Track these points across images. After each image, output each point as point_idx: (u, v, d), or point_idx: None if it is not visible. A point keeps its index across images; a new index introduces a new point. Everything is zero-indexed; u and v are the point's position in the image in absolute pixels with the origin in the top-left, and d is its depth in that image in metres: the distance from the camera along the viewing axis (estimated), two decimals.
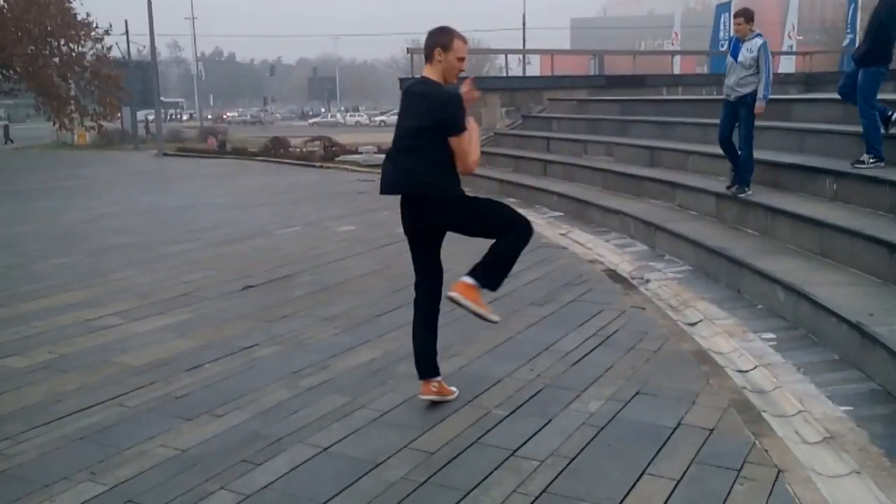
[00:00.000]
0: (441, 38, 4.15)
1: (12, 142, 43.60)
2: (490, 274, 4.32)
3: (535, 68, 45.77)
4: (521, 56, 30.30)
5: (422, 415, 4.29)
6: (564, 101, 16.79)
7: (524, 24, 52.99)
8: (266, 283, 7.37)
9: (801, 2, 37.03)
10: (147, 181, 18.43)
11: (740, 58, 7.82)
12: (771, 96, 7.88)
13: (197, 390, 4.70)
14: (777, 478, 3.54)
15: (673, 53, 27.31)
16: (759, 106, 7.79)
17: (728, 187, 8.23)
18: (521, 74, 30.43)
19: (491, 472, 3.61)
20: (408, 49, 19.54)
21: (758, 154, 8.74)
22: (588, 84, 18.75)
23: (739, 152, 8.02)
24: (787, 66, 28.39)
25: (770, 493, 3.40)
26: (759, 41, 7.76)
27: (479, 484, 3.50)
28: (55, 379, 4.92)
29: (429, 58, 4.17)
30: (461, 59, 4.19)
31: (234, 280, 7.49)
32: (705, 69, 31.42)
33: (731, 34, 8.10)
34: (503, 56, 24.07)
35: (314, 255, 8.62)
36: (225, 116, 79.34)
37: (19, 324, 6.15)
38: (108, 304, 6.70)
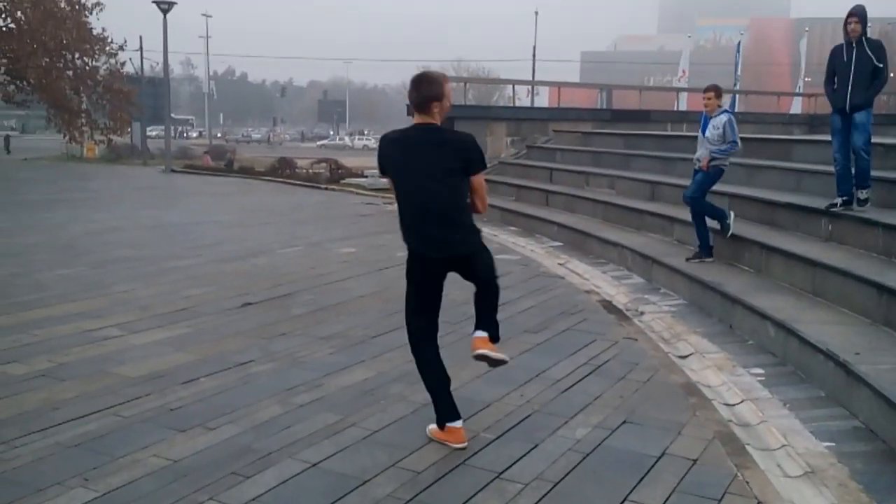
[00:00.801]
0: (435, 90, 4.07)
1: (9, 153, 43.87)
2: (495, 325, 4.46)
3: (543, 99, 46.13)
4: (528, 87, 30.54)
5: (410, 435, 4.36)
6: (569, 132, 16.96)
7: (534, 55, 53.50)
8: (265, 301, 7.47)
9: (810, 45, 37.39)
10: (154, 196, 18.59)
11: (707, 133, 8.03)
12: (773, 137, 8.04)
13: (191, 403, 4.78)
14: None
15: (679, 90, 27.53)
16: (706, 159, 7.98)
17: (691, 258, 8.29)
18: (529, 104, 30.70)
19: (475, 493, 3.68)
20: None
21: (756, 192, 8.88)
22: (594, 117, 18.97)
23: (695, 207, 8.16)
24: (795, 107, 28.68)
25: None
26: (724, 117, 7.96)
27: None
28: (53, 387, 5.00)
29: (424, 109, 4.07)
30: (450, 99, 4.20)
31: (234, 297, 7.59)
32: None
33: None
34: (512, 86, 24.31)
35: (314, 276, 8.72)
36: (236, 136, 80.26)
37: (20, 332, 6.24)
38: (109, 315, 6.80)
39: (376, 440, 4.29)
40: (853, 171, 7.40)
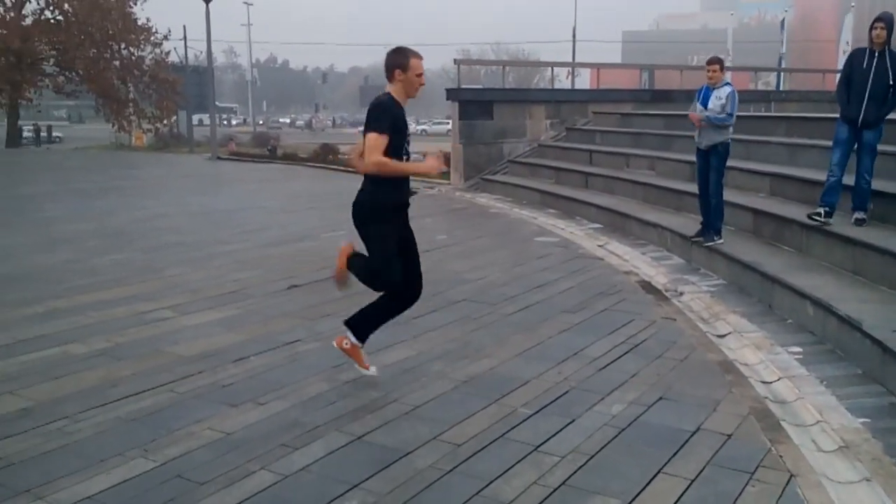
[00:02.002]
0: (399, 59, 4.53)
1: (58, 140, 44.55)
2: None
3: (584, 80, 45.79)
4: (569, 69, 30.42)
5: (451, 410, 4.51)
6: (609, 114, 16.91)
7: (574, 36, 53.05)
8: (310, 284, 7.66)
9: (858, 20, 36.56)
10: (200, 183, 18.97)
11: (710, 104, 7.97)
12: (816, 115, 7.98)
13: (242, 380, 4.99)
14: (789, 482, 3.69)
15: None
16: (696, 116, 8.01)
17: (693, 237, 8.38)
18: (569, 86, 30.55)
19: (513, 465, 3.82)
20: (455, 60, 19.83)
21: (797, 171, 8.85)
22: (634, 98, 18.87)
23: (711, 200, 8.17)
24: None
25: (780, 496, 3.57)
26: (728, 89, 7.94)
27: (501, 475, 3.72)
28: (111, 365, 5.25)
29: (390, 77, 4.55)
30: (419, 76, 4.59)
31: (280, 280, 7.80)
32: (758, 85, 31.22)
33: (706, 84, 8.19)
34: (551, 68, 24.22)
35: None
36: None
37: (78, 314, 6.52)
38: (161, 298, 7.05)
39: (418, 415, 4.45)
40: (853, 189, 7.21)
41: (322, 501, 3.46)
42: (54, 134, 50.67)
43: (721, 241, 8.12)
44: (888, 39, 7.00)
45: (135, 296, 7.15)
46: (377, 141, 4.44)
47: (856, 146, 7.22)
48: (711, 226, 8.19)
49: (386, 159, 4.44)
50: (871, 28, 7.05)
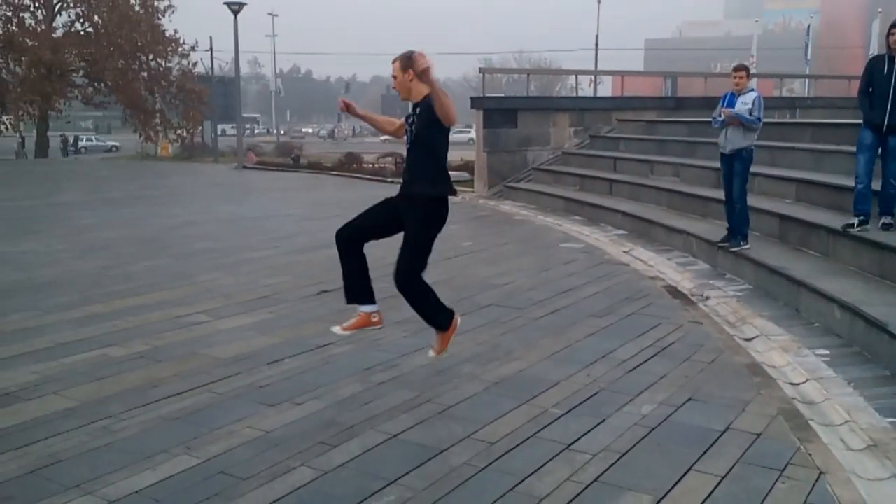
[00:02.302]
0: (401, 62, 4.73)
1: (82, 151, 45.82)
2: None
3: (606, 88, 45.78)
4: (591, 77, 30.48)
5: (483, 410, 4.61)
6: (633, 121, 16.97)
7: (597, 44, 53.06)
8: (340, 289, 7.70)
9: (883, 26, 36.32)
10: (227, 192, 19.22)
11: (737, 109, 8.03)
12: (842, 121, 8.00)
13: (278, 381, 5.12)
14: (818, 479, 3.76)
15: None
16: (729, 111, 8.04)
17: (720, 242, 8.46)
18: (592, 94, 30.60)
19: (546, 462, 3.91)
20: (480, 69, 19.99)
21: (823, 177, 8.88)
22: (658, 105, 18.92)
23: (733, 205, 8.26)
24: None
25: (810, 492, 3.63)
26: (754, 94, 8.04)
27: (534, 472, 3.81)
28: (150, 367, 5.40)
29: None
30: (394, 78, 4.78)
31: (310, 285, 7.94)
32: (782, 92, 31.07)
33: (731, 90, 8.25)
34: (575, 76, 24.29)
35: (385, 265, 8.87)
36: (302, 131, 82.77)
37: (115, 318, 6.69)
38: (196, 303, 7.21)
39: (451, 414, 4.55)
40: (879, 194, 7.21)
41: (361, 496, 3.57)
42: (110, 143, 53.18)
43: (748, 246, 8.16)
44: None
45: (169, 301, 7.31)
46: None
47: (880, 151, 7.24)
48: (738, 231, 8.25)
49: None
50: (889, 34, 7.09)
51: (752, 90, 8.15)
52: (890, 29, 7.11)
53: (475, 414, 4.55)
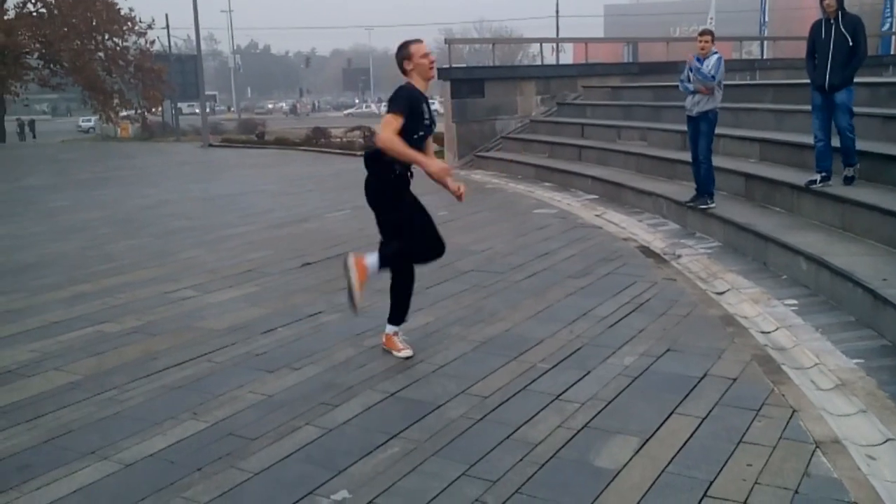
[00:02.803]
0: (402, 52, 4.86)
1: (32, 138, 45.05)
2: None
3: (568, 56, 45.96)
4: (554, 44, 30.63)
5: (474, 368, 4.83)
6: (598, 88, 17.20)
7: (557, 12, 53.19)
8: (323, 261, 7.95)
9: None
10: (197, 170, 19.18)
11: (703, 72, 8.26)
12: (801, 81, 8.31)
13: (274, 349, 5.29)
14: (792, 416, 4.03)
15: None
16: (704, 86, 8.26)
17: (688, 202, 8.75)
18: (554, 62, 30.74)
19: (538, 412, 4.15)
20: (446, 39, 20.04)
21: (785, 136, 9.19)
22: (621, 71, 19.15)
23: (699, 164, 8.53)
24: None
25: (785, 428, 3.90)
26: (715, 56, 8.29)
27: (527, 421, 4.04)
28: (147, 341, 5.54)
29: (404, 72, 4.87)
30: (425, 56, 4.86)
31: (292, 258, 8.08)
32: (741, 54, 31.43)
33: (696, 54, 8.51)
34: (537, 44, 24.41)
35: (365, 236, 9.10)
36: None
37: (105, 296, 6.79)
38: (182, 279, 7.33)
39: (444, 372, 4.77)
40: (838, 147, 7.51)
41: (367, 449, 3.77)
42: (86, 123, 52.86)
43: (713, 205, 8.45)
44: (840, 6, 7.39)
45: (156, 278, 7.42)
46: (392, 119, 4.71)
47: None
48: (704, 190, 8.52)
49: (396, 138, 4.68)
50: (821, 0, 7.43)
51: (715, 52, 8.39)
52: None
53: (467, 371, 4.77)
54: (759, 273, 6.91)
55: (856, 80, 7.54)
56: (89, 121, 53.11)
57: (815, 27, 7.67)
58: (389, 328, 5.13)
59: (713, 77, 8.24)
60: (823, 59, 7.47)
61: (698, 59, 8.40)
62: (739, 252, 7.62)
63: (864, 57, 7.47)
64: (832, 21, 7.42)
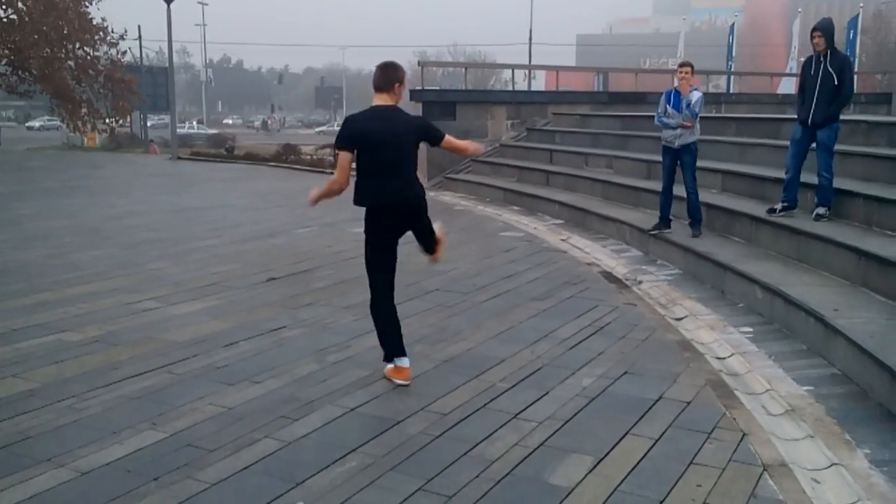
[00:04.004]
0: (399, 74, 4.87)
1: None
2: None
3: (540, 83, 46.48)
4: (526, 71, 30.97)
5: (435, 385, 4.89)
6: (568, 115, 17.43)
7: (531, 39, 53.79)
8: (288, 276, 7.98)
9: (804, 25, 37.68)
10: (165, 183, 19.03)
11: (684, 108, 8.39)
12: (763, 116, 8.49)
13: (235, 362, 5.31)
14: (742, 439, 4.14)
15: (674, 72, 27.92)
16: (688, 120, 8.37)
17: (651, 230, 8.92)
18: (526, 89, 31.10)
19: (496, 430, 4.21)
20: (419, 62, 20.21)
21: (746, 168, 9.42)
22: (591, 100, 19.44)
23: (689, 196, 8.59)
24: (787, 87, 28.99)
25: (735, 450, 4.01)
26: (697, 94, 8.42)
27: (485, 438, 4.11)
28: (108, 350, 5.52)
29: (386, 89, 4.82)
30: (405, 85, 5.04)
31: (258, 273, 8.09)
32: (708, 88, 32.11)
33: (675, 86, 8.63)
34: (510, 70, 24.68)
35: (331, 253, 9.24)
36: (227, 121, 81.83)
37: (67, 305, 6.75)
38: (145, 290, 7.30)
39: (405, 390, 4.82)
40: (811, 184, 7.66)
41: (325, 463, 3.81)
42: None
43: (700, 234, 8.54)
44: (829, 44, 7.54)
45: (119, 288, 7.38)
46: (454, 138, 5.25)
47: (814, 146, 7.73)
48: (697, 217, 8.58)
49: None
50: (811, 38, 7.63)
51: (696, 90, 8.53)
52: (811, 32, 7.65)
53: (427, 389, 4.82)
54: (717, 300, 7.06)
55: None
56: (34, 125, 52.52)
57: (806, 63, 7.84)
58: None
59: (696, 114, 8.38)
60: (810, 94, 7.62)
61: (676, 94, 8.50)
62: (698, 280, 7.78)
63: (849, 95, 7.63)
64: (821, 59, 7.57)
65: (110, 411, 4.46)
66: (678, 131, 8.49)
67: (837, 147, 7.71)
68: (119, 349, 5.55)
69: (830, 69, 7.51)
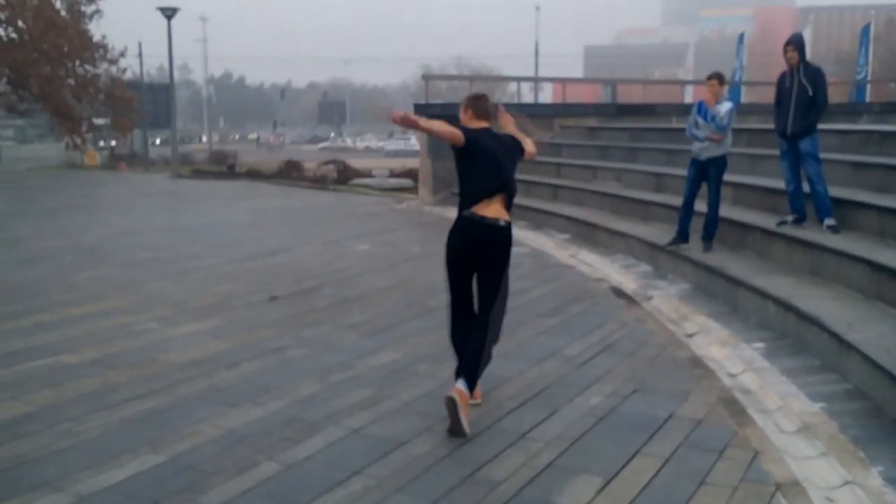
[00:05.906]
0: (488, 104, 5.17)
1: None
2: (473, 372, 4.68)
3: (547, 95, 46.55)
4: (532, 83, 30.98)
5: (440, 405, 4.73)
6: (575, 127, 17.37)
7: (537, 51, 53.82)
8: (290, 295, 7.88)
9: (815, 33, 37.58)
10: (165, 201, 19.01)
11: (709, 120, 8.22)
12: (772, 127, 8.33)
13: (237, 383, 5.20)
14: (754, 458, 4.03)
15: (683, 83, 27.85)
16: (715, 133, 8.21)
17: (668, 245, 8.76)
18: (532, 101, 31.09)
19: (503, 450, 4.11)
20: (423, 76, 20.18)
21: (758, 180, 9.31)
22: (599, 112, 19.35)
23: (710, 209, 8.45)
24: None
25: (747, 470, 3.90)
26: (728, 105, 8.27)
27: (492, 459, 4.01)
28: (107, 372, 5.42)
29: (488, 116, 5.12)
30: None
31: (260, 292, 7.99)
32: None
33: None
34: (516, 83, 24.66)
35: (334, 271, 9.14)
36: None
37: (65, 326, 6.65)
38: (145, 311, 7.20)
39: (410, 410, 4.71)
40: (812, 197, 7.58)
41: (327, 487, 3.70)
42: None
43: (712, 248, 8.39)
44: (801, 58, 7.66)
45: (118, 309, 7.29)
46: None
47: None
48: (709, 234, 8.44)
49: None
50: (784, 52, 7.71)
51: (726, 101, 8.41)
52: (784, 47, 7.74)
53: (433, 409, 4.70)
54: (729, 316, 6.95)
55: (827, 127, 7.72)
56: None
57: (781, 77, 7.93)
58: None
59: (724, 127, 8.21)
60: (786, 107, 7.73)
61: (702, 107, 8.34)
62: (710, 294, 7.66)
63: (823, 106, 7.67)
64: (794, 72, 7.68)
65: (109, 434, 4.36)
66: (705, 143, 8.35)
67: (849, 157, 7.66)
68: (118, 371, 5.45)
69: (804, 81, 7.60)
